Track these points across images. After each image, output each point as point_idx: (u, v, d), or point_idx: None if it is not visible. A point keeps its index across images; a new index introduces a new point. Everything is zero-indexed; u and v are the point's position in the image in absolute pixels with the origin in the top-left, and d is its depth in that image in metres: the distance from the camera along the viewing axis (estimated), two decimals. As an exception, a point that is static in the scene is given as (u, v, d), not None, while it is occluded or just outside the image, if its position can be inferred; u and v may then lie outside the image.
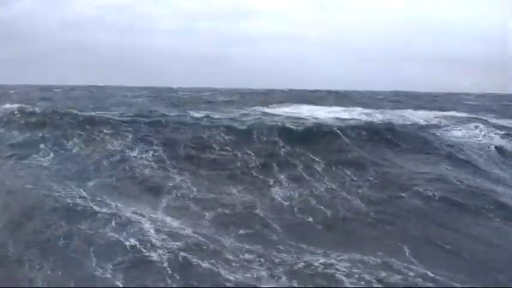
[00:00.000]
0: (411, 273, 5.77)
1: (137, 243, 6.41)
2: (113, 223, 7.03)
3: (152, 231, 6.85)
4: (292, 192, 9.28)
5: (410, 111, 24.59)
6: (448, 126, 17.34)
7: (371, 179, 9.99)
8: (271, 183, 9.80)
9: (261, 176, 10.19)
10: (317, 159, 11.02)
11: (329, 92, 48.79)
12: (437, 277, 5.70)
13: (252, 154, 11.34)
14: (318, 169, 10.53)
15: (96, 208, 7.59)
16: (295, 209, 8.43)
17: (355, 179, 10.00)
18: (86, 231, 6.77)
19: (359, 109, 24.79)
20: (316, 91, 53.25)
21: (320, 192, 9.31)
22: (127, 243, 6.41)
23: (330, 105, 29.37)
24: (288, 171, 10.43)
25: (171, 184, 9.54)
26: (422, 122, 19.40)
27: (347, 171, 10.36)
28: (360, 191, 9.30)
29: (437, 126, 17.34)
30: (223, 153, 11.66)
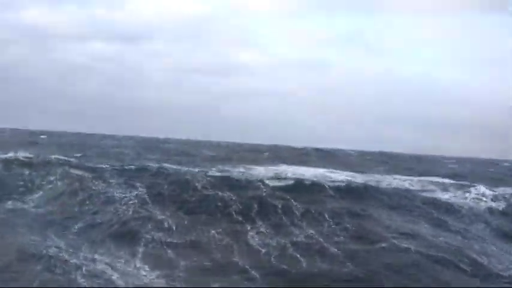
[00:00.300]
0: None
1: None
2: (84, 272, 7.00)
3: (123, 283, 6.89)
4: (270, 239, 9.29)
5: (396, 176, 24.57)
6: (434, 190, 17.35)
7: (348, 226, 10.10)
8: (249, 227, 9.83)
9: (240, 218, 10.24)
10: (297, 205, 11.07)
11: (316, 150, 49.24)
12: None
13: (233, 198, 11.33)
14: (297, 214, 10.60)
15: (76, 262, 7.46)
16: (272, 258, 8.45)
17: (334, 226, 10.08)
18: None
19: (345, 172, 24.75)
20: (303, 149, 53.69)
21: (300, 239, 9.36)
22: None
23: (317, 166, 29.24)
24: (268, 215, 10.48)
25: (150, 226, 9.55)
26: (407, 185, 19.42)
27: (326, 219, 10.42)
28: (336, 239, 9.40)
29: (422, 190, 17.35)
30: (206, 193, 11.71)
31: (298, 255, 8.51)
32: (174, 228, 9.50)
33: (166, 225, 9.63)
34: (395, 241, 9.29)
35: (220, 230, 9.57)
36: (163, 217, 9.99)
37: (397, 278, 7.71)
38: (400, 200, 13.48)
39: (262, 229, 9.76)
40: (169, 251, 8.49)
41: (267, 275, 7.60)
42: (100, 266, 7.36)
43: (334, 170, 24.98)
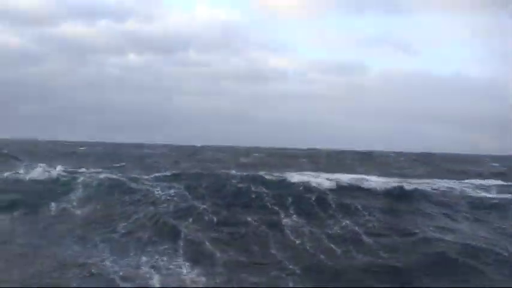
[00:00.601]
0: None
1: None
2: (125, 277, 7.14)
3: (162, 277, 7.12)
4: (304, 229, 9.42)
5: (437, 177, 23.84)
6: (477, 190, 16.77)
7: (383, 219, 10.19)
8: (283, 218, 10.04)
9: (275, 208, 10.51)
10: (332, 198, 11.27)
11: (354, 152, 48.83)
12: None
13: (267, 192, 11.62)
14: (332, 206, 10.77)
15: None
16: (308, 248, 8.58)
17: (368, 218, 10.17)
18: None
19: (384, 177, 24.12)
20: (340, 152, 53.35)
21: (334, 230, 9.49)
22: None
23: (355, 171, 28.57)
24: (301, 207, 10.65)
25: (191, 220, 9.87)
26: (448, 185, 18.84)
27: (361, 212, 10.54)
28: (372, 231, 9.45)
29: (464, 190, 16.81)
30: (240, 186, 12.13)
31: (333, 246, 8.61)
32: (214, 220, 9.81)
33: (206, 218, 9.95)
34: (432, 233, 9.28)
35: (256, 218, 9.86)
36: (202, 210, 10.31)
37: (433, 266, 7.69)
38: (439, 199, 13.26)
39: (296, 219, 9.95)
40: (209, 245, 8.64)
41: (305, 268, 7.60)
42: (144, 269, 7.51)
43: (372, 176, 24.52)
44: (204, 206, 10.47)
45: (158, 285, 6.83)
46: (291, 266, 7.70)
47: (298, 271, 7.51)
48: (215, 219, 9.91)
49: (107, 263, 7.68)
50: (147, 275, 7.23)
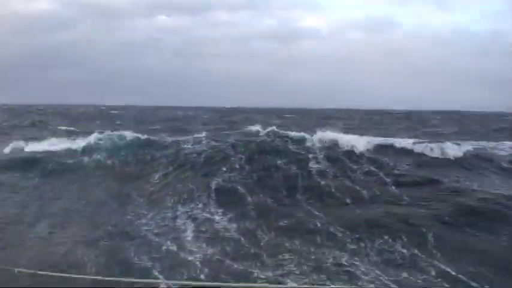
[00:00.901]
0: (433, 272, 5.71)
1: (175, 245, 6.64)
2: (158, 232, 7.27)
3: (196, 228, 7.34)
4: (330, 172, 9.76)
5: (472, 139, 23.06)
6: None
7: (411, 172, 10.23)
8: (309, 162, 10.35)
9: (302, 152, 10.90)
10: (360, 151, 11.48)
11: (386, 112, 48.03)
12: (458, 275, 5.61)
13: (292, 145, 11.87)
14: (359, 155, 11.11)
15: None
16: (333, 190, 8.90)
17: (393, 166, 10.31)
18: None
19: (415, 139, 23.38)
20: (373, 111, 52.66)
21: (359, 177, 9.70)
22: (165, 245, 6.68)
23: (388, 131, 27.93)
24: (329, 155, 10.89)
25: (225, 168, 10.20)
26: (484, 143, 18.33)
27: (389, 164, 10.56)
28: (399, 179, 9.52)
29: (500, 147, 16.40)
30: (268, 140, 12.50)
31: (360, 191, 8.84)
32: (245, 167, 10.18)
33: (237, 166, 10.29)
34: (464, 183, 9.31)
35: (285, 161, 10.31)
36: (233, 160, 10.65)
37: (460, 213, 7.74)
38: (472, 154, 12.94)
39: (324, 165, 10.18)
40: (240, 191, 9.01)
41: (332, 216, 7.75)
42: (180, 221, 7.70)
43: (404, 136, 24.08)
44: (235, 156, 10.77)
45: (191, 238, 6.88)
46: (315, 212, 7.95)
47: (324, 217, 7.70)
48: (246, 167, 10.22)
49: (143, 220, 7.72)
50: (182, 227, 7.35)
